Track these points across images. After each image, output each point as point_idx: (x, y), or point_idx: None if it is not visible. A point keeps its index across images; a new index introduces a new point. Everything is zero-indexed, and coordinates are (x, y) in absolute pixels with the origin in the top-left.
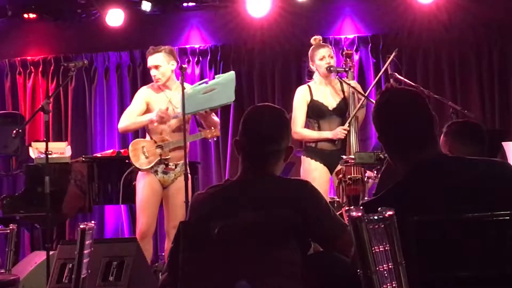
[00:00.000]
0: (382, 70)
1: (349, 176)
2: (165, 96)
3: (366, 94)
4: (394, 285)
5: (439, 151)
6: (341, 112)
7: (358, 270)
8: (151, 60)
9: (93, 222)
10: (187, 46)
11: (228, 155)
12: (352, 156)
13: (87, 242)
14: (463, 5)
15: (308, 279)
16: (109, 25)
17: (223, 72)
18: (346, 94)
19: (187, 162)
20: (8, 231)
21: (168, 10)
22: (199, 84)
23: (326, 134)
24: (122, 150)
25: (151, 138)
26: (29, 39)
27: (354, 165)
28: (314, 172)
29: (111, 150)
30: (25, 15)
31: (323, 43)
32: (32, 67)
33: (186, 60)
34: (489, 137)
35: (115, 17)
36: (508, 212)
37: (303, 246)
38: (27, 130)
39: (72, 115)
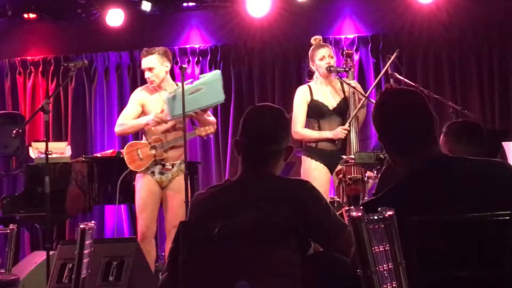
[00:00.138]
0: (383, 71)
1: (349, 176)
2: (160, 98)
3: (366, 95)
4: (394, 285)
5: (439, 151)
6: (342, 112)
7: (358, 270)
8: (145, 63)
9: (93, 222)
10: (187, 46)
11: (228, 155)
12: (352, 156)
13: (87, 242)
14: (463, 5)
15: (308, 279)
16: (109, 25)
17: (223, 72)
18: (346, 94)
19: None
20: (8, 231)
21: (168, 10)
22: (185, 85)
23: (327, 134)
24: (122, 150)
25: (146, 139)
26: (29, 39)
27: (354, 165)
28: (315, 172)
29: (111, 150)
30: (25, 15)
31: (323, 43)
32: (32, 67)
33: (186, 60)
34: (489, 137)
35: (115, 17)
36: (508, 212)
37: (303, 246)
38: (27, 130)
39: (72, 115)
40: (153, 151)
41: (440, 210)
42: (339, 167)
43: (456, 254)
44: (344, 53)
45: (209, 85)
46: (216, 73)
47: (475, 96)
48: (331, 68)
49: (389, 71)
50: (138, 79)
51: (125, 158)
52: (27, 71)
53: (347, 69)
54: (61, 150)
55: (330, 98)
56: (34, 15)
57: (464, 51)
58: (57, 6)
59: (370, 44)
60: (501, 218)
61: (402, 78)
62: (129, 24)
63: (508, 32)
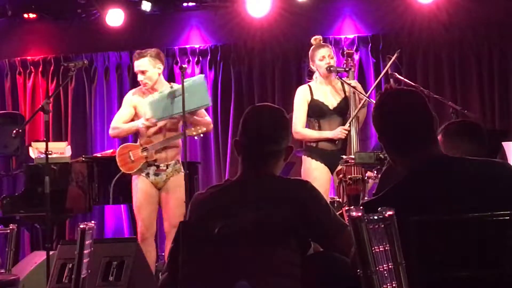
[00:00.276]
0: (383, 71)
1: (349, 176)
2: None
3: (367, 95)
4: (394, 285)
5: (439, 151)
6: (342, 111)
7: (358, 270)
8: (137, 65)
9: (93, 222)
10: (187, 46)
11: (228, 155)
12: (352, 156)
13: (87, 242)
14: (463, 5)
15: (308, 279)
16: (109, 25)
17: (223, 72)
18: (347, 93)
19: (182, 162)
20: (8, 231)
21: (168, 10)
22: (171, 88)
23: (327, 134)
24: None
25: (139, 141)
26: (29, 39)
27: (354, 165)
28: (315, 172)
29: (111, 150)
30: (25, 15)
31: (323, 43)
32: (32, 67)
33: (186, 60)
34: (489, 137)
35: (115, 17)
36: (508, 212)
37: (303, 246)
38: (27, 130)
39: (72, 115)
40: (144, 153)
41: (440, 210)
42: (339, 167)
43: (456, 254)
44: (345, 53)
45: (192, 90)
46: (200, 77)
47: (475, 96)
48: (331, 68)
49: (389, 71)
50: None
51: (117, 161)
52: (27, 71)
53: (347, 69)
54: (61, 150)
55: (330, 98)
56: (34, 15)
57: (464, 51)
58: (57, 6)
59: (370, 44)
60: (501, 218)
61: (402, 78)
62: (129, 24)
63: (508, 32)
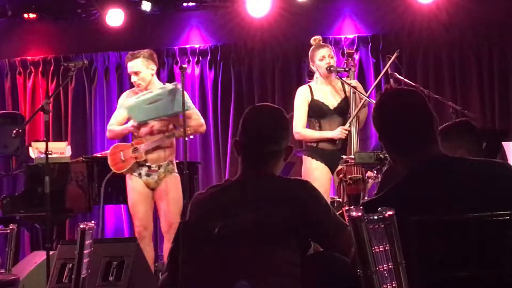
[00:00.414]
0: (383, 71)
1: (349, 176)
2: None
3: (367, 95)
4: (394, 285)
5: (440, 151)
6: (342, 111)
7: (358, 270)
8: (130, 66)
9: (93, 222)
10: (187, 46)
11: (228, 155)
12: (352, 156)
13: (87, 242)
14: (463, 5)
15: (308, 279)
16: (109, 25)
17: (223, 72)
18: (347, 93)
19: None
20: (8, 231)
21: (168, 10)
22: (143, 95)
23: (327, 134)
24: None
25: (132, 141)
26: (29, 39)
27: (354, 165)
28: (315, 172)
29: None
30: (25, 15)
31: (323, 43)
32: (32, 67)
33: (186, 60)
34: (489, 137)
35: (115, 17)
36: (508, 212)
37: (303, 246)
38: (27, 130)
39: (72, 115)
40: (134, 153)
41: (440, 210)
42: (339, 167)
43: (456, 254)
44: (345, 52)
45: (168, 96)
46: (173, 84)
47: (475, 96)
48: (331, 68)
49: (389, 71)
50: None
51: (109, 161)
52: (27, 71)
53: (347, 69)
54: (61, 150)
55: (330, 98)
56: (34, 15)
57: (464, 51)
58: (57, 6)
59: (370, 44)
60: (501, 218)
61: (402, 78)
62: (129, 24)
63: (508, 32)
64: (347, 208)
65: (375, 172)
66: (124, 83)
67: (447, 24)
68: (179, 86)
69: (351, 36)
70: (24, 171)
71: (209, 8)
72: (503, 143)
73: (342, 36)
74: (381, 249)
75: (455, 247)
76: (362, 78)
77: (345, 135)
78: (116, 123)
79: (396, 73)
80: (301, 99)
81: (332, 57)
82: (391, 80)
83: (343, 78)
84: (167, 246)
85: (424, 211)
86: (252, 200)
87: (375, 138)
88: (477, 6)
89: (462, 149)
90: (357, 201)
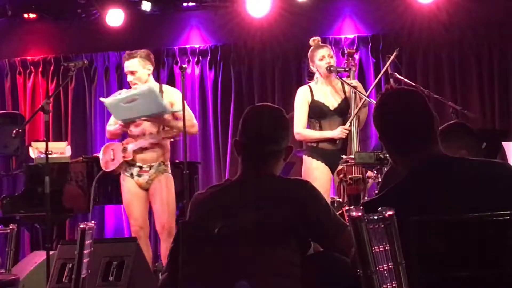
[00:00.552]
0: (383, 71)
1: (350, 176)
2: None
3: (367, 94)
4: (394, 285)
5: (440, 151)
6: (342, 112)
7: (358, 270)
8: (127, 66)
9: (93, 222)
10: (187, 46)
11: (228, 155)
12: (352, 156)
13: (87, 242)
14: (463, 5)
15: (308, 279)
16: (109, 25)
17: (223, 72)
18: (347, 94)
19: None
20: (8, 231)
21: (168, 10)
22: (120, 94)
23: (328, 133)
24: None
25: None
26: (29, 39)
27: (354, 165)
28: (316, 172)
29: None
30: (25, 15)
31: (322, 44)
32: (32, 67)
33: (186, 60)
34: (489, 137)
35: (115, 17)
36: (508, 212)
37: (303, 246)
38: (27, 130)
39: (72, 115)
40: (123, 153)
41: (440, 210)
42: (339, 167)
43: (456, 254)
44: (346, 52)
45: (143, 97)
46: (149, 88)
47: (475, 96)
48: (331, 68)
49: (389, 71)
50: None
51: (100, 159)
52: (27, 71)
53: (347, 68)
54: (61, 150)
55: (330, 99)
56: (34, 15)
57: (464, 51)
58: (57, 6)
59: (370, 44)
60: (501, 218)
61: (402, 78)
62: (129, 24)
63: (508, 32)
64: (347, 208)
65: (375, 172)
66: (124, 83)
67: (447, 24)
68: (155, 89)
69: (351, 36)
70: (24, 171)
71: (209, 8)
72: (503, 143)
73: (342, 36)
74: (381, 249)
75: (455, 247)
76: (362, 78)
77: (346, 134)
78: (113, 122)
79: (396, 73)
80: (302, 99)
81: (332, 57)
82: (391, 80)
83: (343, 78)
84: (163, 246)
85: (424, 211)
86: (252, 200)
87: (375, 138)
88: (477, 6)
89: (463, 150)
90: (357, 201)
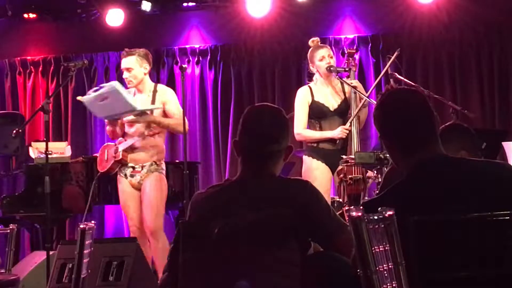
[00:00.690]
0: (383, 71)
1: (350, 176)
2: (135, 100)
3: (367, 95)
4: (394, 285)
5: (440, 151)
6: (342, 112)
7: (358, 270)
8: (124, 63)
9: (93, 222)
10: (187, 46)
11: (228, 155)
12: (352, 156)
13: (87, 242)
14: (463, 5)
15: (308, 279)
16: (109, 25)
17: (223, 72)
18: (347, 94)
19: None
20: (8, 231)
21: (168, 10)
22: (94, 91)
23: (328, 133)
24: None
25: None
26: (29, 39)
27: (354, 165)
28: (316, 172)
29: None
30: (25, 15)
31: (322, 44)
32: (32, 67)
33: (186, 60)
34: (489, 137)
35: (115, 17)
36: (508, 212)
37: (303, 246)
38: (27, 130)
39: (72, 115)
40: (115, 153)
41: (440, 210)
42: (340, 167)
43: (456, 254)
44: (346, 52)
45: (112, 95)
46: (110, 85)
47: (475, 96)
48: (331, 68)
49: (389, 71)
50: None
51: (97, 160)
52: (27, 71)
53: (347, 68)
54: (61, 150)
55: (330, 99)
56: (34, 15)
57: (464, 51)
58: (57, 6)
59: (370, 44)
60: (501, 218)
61: (402, 78)
62: (129, 24)
63: (508, 32)
64: (347, 208)
65: (375, 172)
66: (124, 83)
67: (447, 24)
68: (118, 87)
69: (351, 36)
70: (24, 171)
71: (209, 8)
72: (503, 143)
73: (342, 36)
74: (381, 249)
75: (455, 247)
76: (362, 78)
77: (346, 134)
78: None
79: (396, 73)
80: (302, 100)
81: (331, 57)
82: (391, 80)
83: (343, 78)
84: (155, 247)
85: (424, 211)
86: (252, 200)
87: (375, 138)
88: (477, 6)
89: (463, 150)
90: (357, 201)
